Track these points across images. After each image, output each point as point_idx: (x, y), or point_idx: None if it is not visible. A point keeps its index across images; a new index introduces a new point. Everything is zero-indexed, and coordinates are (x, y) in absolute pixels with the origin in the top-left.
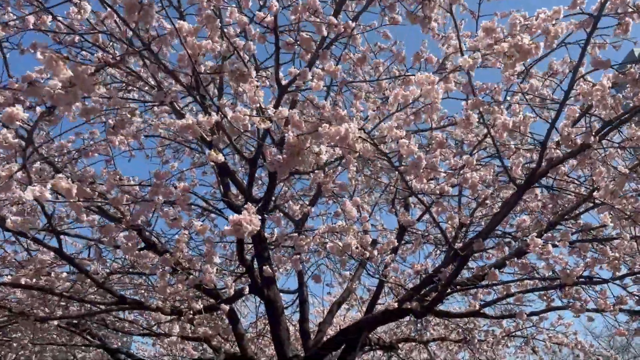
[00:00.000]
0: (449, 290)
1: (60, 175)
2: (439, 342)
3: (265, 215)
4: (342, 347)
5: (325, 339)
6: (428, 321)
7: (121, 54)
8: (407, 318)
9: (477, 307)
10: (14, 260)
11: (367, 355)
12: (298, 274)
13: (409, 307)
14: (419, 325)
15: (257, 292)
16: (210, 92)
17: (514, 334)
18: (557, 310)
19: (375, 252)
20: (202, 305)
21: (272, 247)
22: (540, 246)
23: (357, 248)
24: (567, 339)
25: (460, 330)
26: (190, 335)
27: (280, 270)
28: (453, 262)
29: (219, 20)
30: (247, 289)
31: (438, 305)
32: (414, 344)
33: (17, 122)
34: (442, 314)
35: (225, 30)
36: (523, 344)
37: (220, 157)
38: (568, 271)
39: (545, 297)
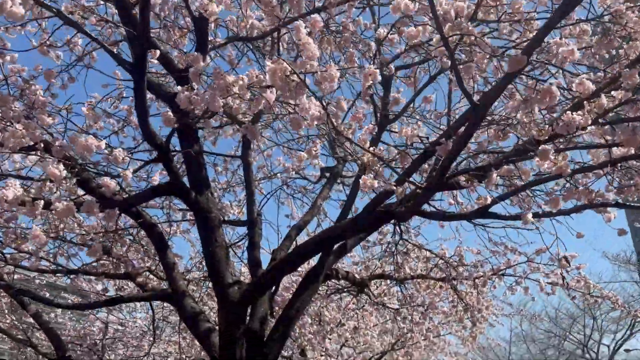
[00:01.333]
0: (448, 177)
1: None
2: (419, 281)
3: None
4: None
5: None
6: (406, 254)
7: None
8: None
9: (488, 200)
10: None
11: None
12: (246, 184)
13: (390, 209)
14: (396, 257)
15: (179, 192)
16: None
17: (503, 272)
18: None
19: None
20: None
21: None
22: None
23: (318, 112)
24: (567, 276)
25: (444, 266)
26: (112, 272)
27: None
28: (473, 124)
29: None
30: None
31: (427, 201)
32: (388, 283)
33: None
34: (435, 216)
35: None
36: (514, 284)
37: None
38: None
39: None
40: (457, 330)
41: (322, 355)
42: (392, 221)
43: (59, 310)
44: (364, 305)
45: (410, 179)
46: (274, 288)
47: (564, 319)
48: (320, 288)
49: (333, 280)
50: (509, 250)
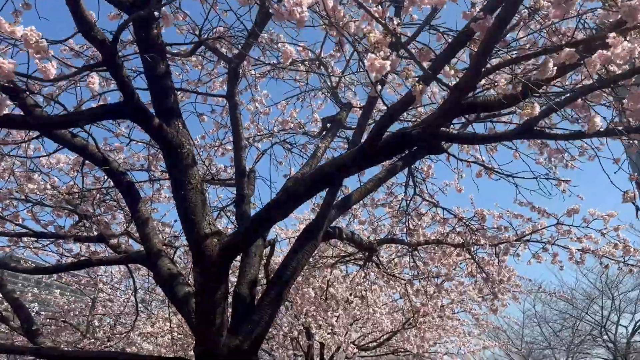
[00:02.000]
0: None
1: None
2: (433, 248)
3: None
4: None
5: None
6: (420, 216)
7: None
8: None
9: (536, 110)
10: None
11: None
12: (233, 128)
13: (408, 130)
14: (408, 219)
15: (135, 115)
16: None
17: (529, 237)
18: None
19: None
20: None
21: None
22: None
23: None
24: (602, 239)
25: (462, 228)
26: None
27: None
28: None
29: None
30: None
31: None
32: (399, 249)
33: None
34: (464, 139)
35: None
36: (540, 251)
37: None
38: None
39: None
40: (472, 308)
41: (328, 334)
42: (404, 171)
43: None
44: (370, 278)
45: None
46: (269, 249)
47: (580, 299)
48: (324, 256)
49: (338, 244)
50: (536, 210)
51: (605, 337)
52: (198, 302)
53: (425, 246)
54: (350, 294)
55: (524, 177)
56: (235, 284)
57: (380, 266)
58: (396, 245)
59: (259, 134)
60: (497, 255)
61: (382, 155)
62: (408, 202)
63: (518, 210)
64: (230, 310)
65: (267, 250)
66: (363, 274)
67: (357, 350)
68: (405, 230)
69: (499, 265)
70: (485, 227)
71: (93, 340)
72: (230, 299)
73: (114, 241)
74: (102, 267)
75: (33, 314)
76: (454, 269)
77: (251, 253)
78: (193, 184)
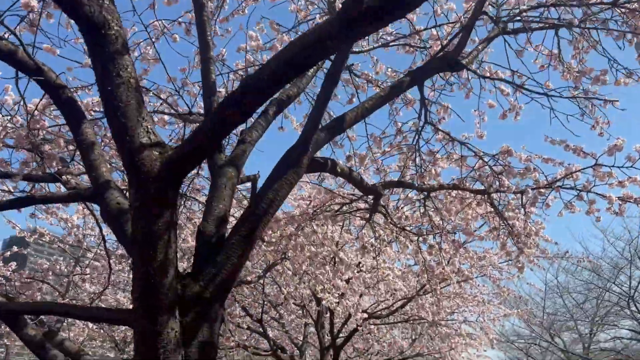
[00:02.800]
0: None
1: None
2: (448, 193)
3: None
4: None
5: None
6: (433, 154)
7: None
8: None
9: None
10: None
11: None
12: (198, 33)
13: None
14: (419, 155)
15: None
16: None
17: (560, 184)
18: None
19: None
20: None
21: None
22: None
23: None
24: None
25: (483, 172)
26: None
27: None
28: None
29: None
30: None
31: None
32: (409, 196)
33: None
34: None
35: None
36: (574, 200)
37: None
38: None
39: None
40: (492, 274)
41: (335, 298)
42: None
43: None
44: (379, 235)
45: None
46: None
47: (607, 269)
48: (322, 207)
49: (340, 193)
50: (571, 149)
51: (633, 308)
52: (134, 233)
53: (440, 193)
54: (361, 256)
55: (560, 96)
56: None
57: (388, 217)
58: (406, 194)
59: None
60: (524, 205)
61: (367, 21)
62: (419, 130)
63: (548, 153)
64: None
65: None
66: (370, 229)
67: (367, 315)
68: (415, 176)
69: (525, 215)
70: (509, 165)
71: (74, 301)
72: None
73: (69, 177)
74: (90, 224)
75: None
76: (474, 224)
77: (220, 185)
78: (124, 77)
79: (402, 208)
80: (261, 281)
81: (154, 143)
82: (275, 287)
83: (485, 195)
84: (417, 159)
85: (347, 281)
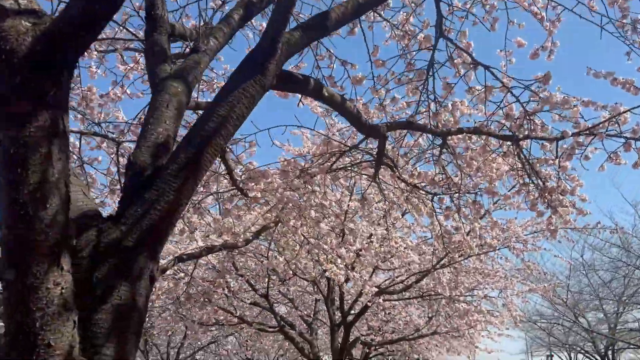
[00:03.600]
0: None
1: None
2: (468, 139)
3: None
4: None
5: None
6: (450, 87)
7: None
8: None
9: None
10: None
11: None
12: None
13: None
14: (430, 83)
15: None
16: None
17: (603, 130)
18: None
19: None
20: None
21: None
22: None
23: None
24: None
25: (511, 114)
26: None
27: None
28: None
29: None
30: None
31: None
32: (420, 141)
33: None
34: None
35: None
36: (619, 150)
37: None
38: None
39: None
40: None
41: (340, 269)
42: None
43: None
44: (387, 196)
45: None
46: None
47: (637, 246)
48: (314, 159)
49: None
50: (619, 83)
51: None
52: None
53: (458, 143)
54: (362, 210)
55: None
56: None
57: (396, 170)
58: (416, 147)
59: None
60: (559, 156)
61: None
62: (434, 46)
63: (589, 94)
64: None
65: None
66: (376, 191)
67: (376, 289)
68: (427, 115)
69: (561, 168)
70: (550, 93)
71: None
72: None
73: None
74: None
75: None
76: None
77: (160, 103)
78: None
79: (411, 161)
80: (263, 252)
81: (24, 10)
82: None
83: (513, 145)
84: (430, 91)
85: (358, 254)
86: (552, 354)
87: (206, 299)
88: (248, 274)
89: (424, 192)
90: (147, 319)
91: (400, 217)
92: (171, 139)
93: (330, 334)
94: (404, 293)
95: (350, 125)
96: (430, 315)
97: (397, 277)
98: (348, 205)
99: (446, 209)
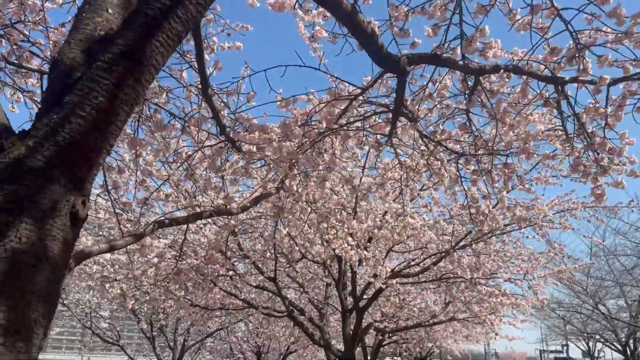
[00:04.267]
0: None
1: None
2: (503, 79)
3: None
4: None
5: None
6: (486, 8)
7: None
8: None
9: None
10: None
11: None
12: None
13: None
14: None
15: None
16: None
17: None
18: None
19: None
20: None
21: None
22: None
23: None
24: None
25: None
26: None
27: None
28: None
29: None
30: None
31: None
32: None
33: None
34: None
35: None
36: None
37: None
38: None
39: None
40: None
41: (350, 246)
42: None
43: None
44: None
45: None
46: None
47: None
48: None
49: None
50: None
51: None
52: None
53: (494, 82)
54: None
55: None
56: None
57: (414, 120)
58: (440, 101)
59: None
60: (606, 108)
61: None
62: None
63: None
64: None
65: None
66: (389, 155)
67: (390, 269)
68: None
69: (609, 120)
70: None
71: None
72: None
73: None
74: None
75: None
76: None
77: None
78: None
79: (434, 116)
80: (264, 232)
81: None
82: (289, 240)
83: (558, 88)
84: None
85: (369, 238)
86: (568, 343)
87: (212, 282)
88: (255, 255)
89: (448, 152)
90: (153, 305)
91: (418, 190)
92: (114, 33)
93: (341, 320)
94: (419, 276)
95: (362, 49)
96: (448, 300)
97: (412, 260)
98: (360, 180)
99: (473, 172)
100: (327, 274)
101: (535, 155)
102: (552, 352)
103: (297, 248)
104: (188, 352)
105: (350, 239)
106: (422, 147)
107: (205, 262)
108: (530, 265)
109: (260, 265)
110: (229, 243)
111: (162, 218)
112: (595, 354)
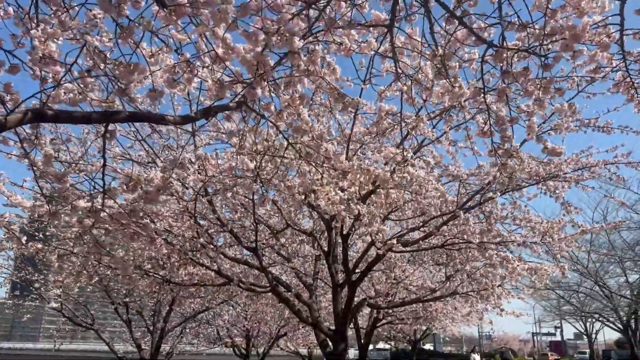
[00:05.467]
0: None
1: None
2: None
3: None
4: None
5: None
6: None
7: None
8: None
9: None
10: None
11: None
12: None
13: None
14: None
15: None
16: None
17: None
18: None
19: None
20: None
21: None
22: None
23: None
24: None
25: None
26: None
27: None
28: None
29: None
30: None
31: None
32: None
33: None
34: None
35: None
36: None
37: None
38: None
39: None
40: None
41: (335, 198)
42: None
43: None
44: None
45: None
46: None
47: None
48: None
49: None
50: None
51: None
52: None
53: None
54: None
55: None
56: None
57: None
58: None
59: None
60: None
61: None
62: None
63: None
64: None
65: None
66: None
67: (387, 229)
68: None
69: None
70: None
71: None
72: None
73: None
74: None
75: None
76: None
77: None
78: None
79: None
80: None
81: None
82: (274, 210)
83: None
84: None
85: (371, 192)
86: (562, 324)
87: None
88: (234, 225)
89: (473, 37)
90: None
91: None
92: None
93: (332, 296)
94: (420, 243)
95: None
96: (449, 274)
97: (411, 227)
98: (352, 130)
99: (503, 73)
100: (317, 246)
101: (584, 52)
102: (544, 334)
103: (282, 217)
104: (170, 337)
105: (340, 191)
106: (433, 43)
107: (146, 201)
108: (549, 225)
109: (240, 235)
110: (203, 208)
111: (38, 107)
112: (593, 336)
